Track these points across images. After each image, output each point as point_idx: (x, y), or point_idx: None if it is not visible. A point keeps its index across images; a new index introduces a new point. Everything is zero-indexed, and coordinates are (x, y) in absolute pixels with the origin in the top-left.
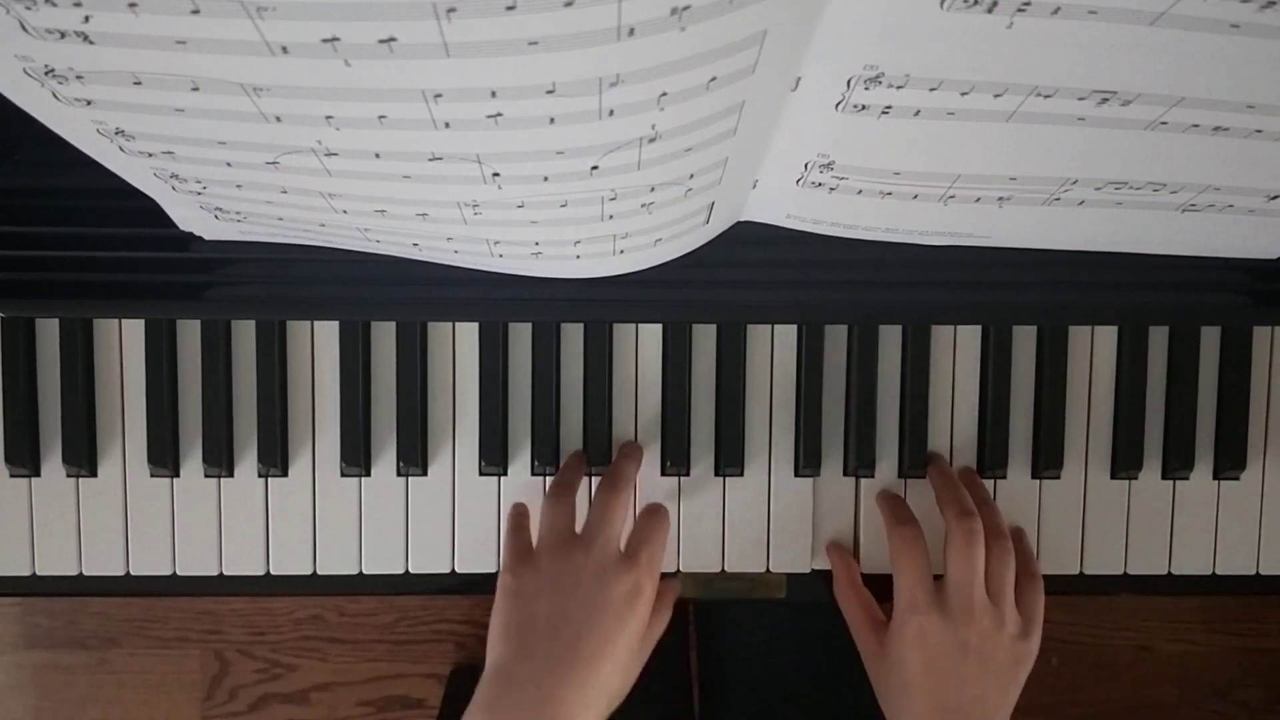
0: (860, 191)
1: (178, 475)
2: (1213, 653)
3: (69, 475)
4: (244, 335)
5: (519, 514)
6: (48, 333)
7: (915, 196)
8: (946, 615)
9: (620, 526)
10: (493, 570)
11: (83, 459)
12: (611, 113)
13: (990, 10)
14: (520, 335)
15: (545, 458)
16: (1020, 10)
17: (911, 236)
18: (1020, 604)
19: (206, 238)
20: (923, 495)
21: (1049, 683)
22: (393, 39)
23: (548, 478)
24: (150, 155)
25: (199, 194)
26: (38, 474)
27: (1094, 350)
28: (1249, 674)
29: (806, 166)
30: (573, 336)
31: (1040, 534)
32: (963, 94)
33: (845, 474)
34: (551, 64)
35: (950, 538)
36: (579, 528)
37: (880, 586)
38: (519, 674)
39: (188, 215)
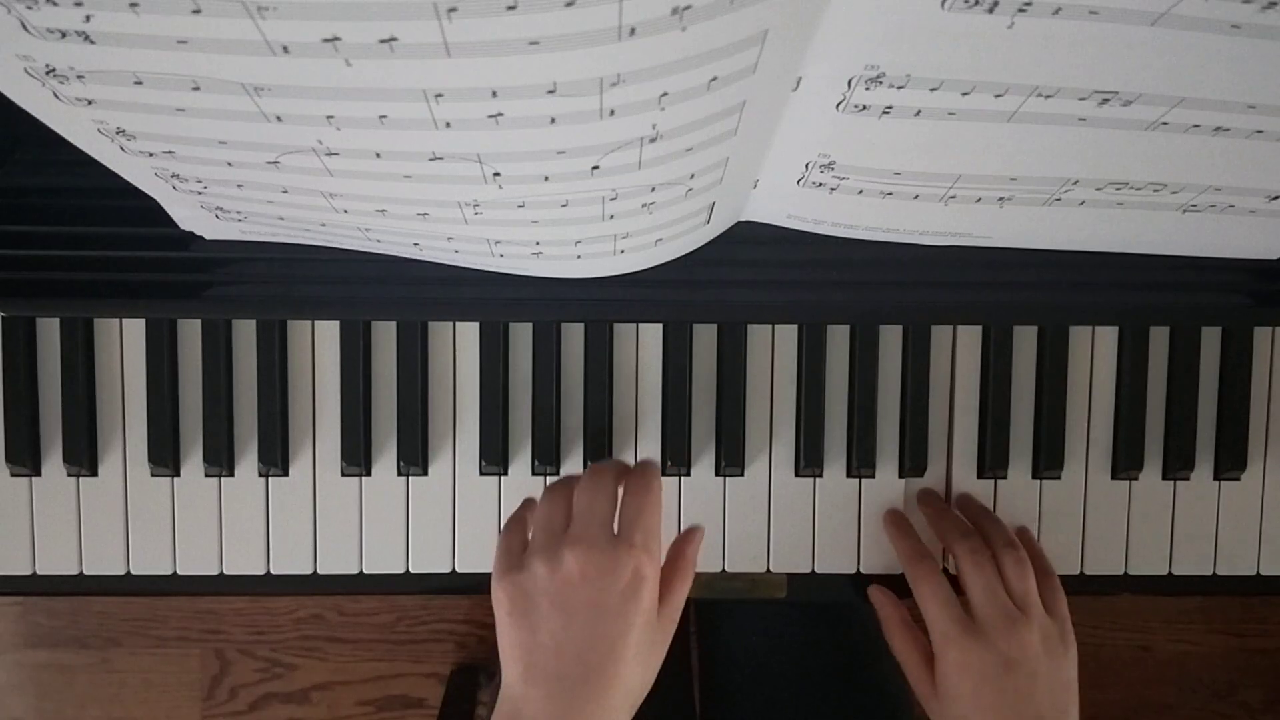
0: (861, 192)
1: (178, 474)
2: (1213, 653)
3: (70, 474)
4: (245, 335)
5: (519, 511)
6: (48, 332)
7: (916, 197)
8: (981, 636)
9: (611, 509)
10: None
11: (83, 458)
12: (612, 112)
13: (991, 10)
14: (521, 335)
15: (546, 458)
16: (1021, 10)
17: (912, 236)
18: (1046, 607)
19: (207, 237)
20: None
21: None
22: (394, 39)
23: (548, 477)
24: (151, 155)
25: (200, 193)
26: (38, 473)
27: (1095, 350)
28: (1249, 674)
29: (807, 166)
30: (573, 336)
31: (1040, 534)
32: (964, 94)
33: (847, 474)
34: (552, 64)
35: (959, 562)
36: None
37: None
38: (531, 699)
39: (188, 215)
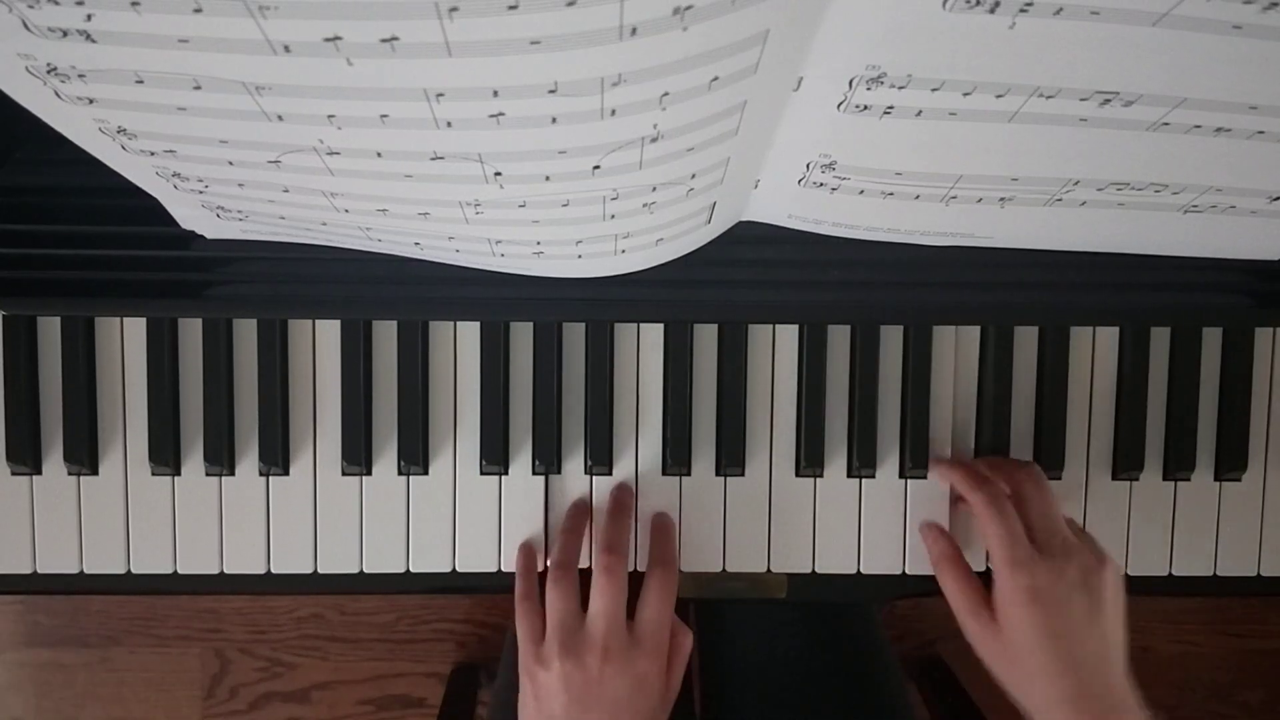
0: (862, 192)
1: (179, 473)
2: (1213, 654)
3: (70, 473)
4: (245, 334)
5: (526, 597)
6: (49, 331)
7: (917, 197)
8: (1049, 560)
9: (624, 609)
10: (494, 570)
11: (84, 457)
12: (613, 112)
13: (992, 11)
14: (522, 335)
15: (546, 457)
16: (1023, 11)
17: (913, 237)
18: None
19: (208, 236)
20: (928, 487)
21: None
22: (395, 38)
23: (549, 477)
24: (152, 154)
25: (201, 193)
26: (39, 472)
27: (1095, 351)
28: (1249, 675)
29: (808, 166)
30: (574, 336)
31: None
32: (965, 94)
33: (847, 474)
34: (553, 63)
35: (1014, 494)
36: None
37: (882, 587)
38: None
39: (189, 214)
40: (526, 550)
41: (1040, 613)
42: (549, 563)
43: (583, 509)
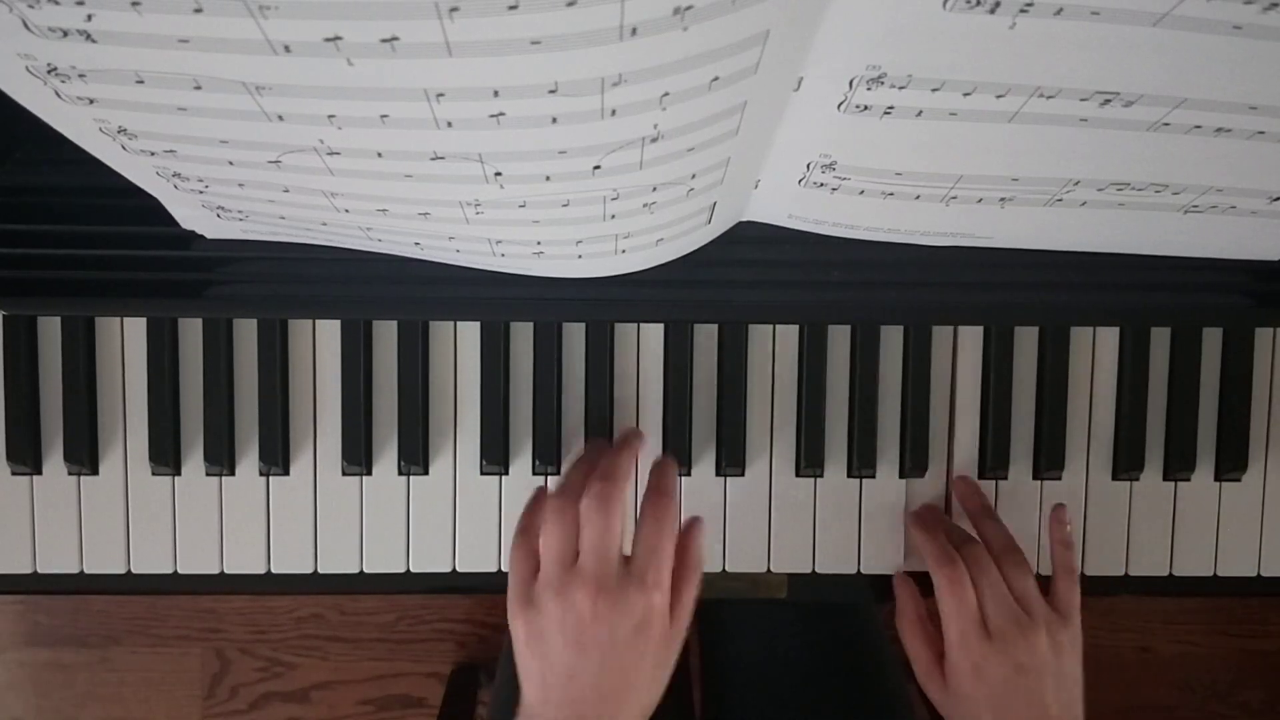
0: (862, 192)
1: (179, 473)
2: (1213, 654)
3: (70, 473)
4: (246, 334)
5: (524, 532)
6: (50, 331)
7: (917, 197)
8: (995, 643)
9: (618, 540)
10: (494, 570)
11: (84, 457)
12: (614, 112)
13: (993, 11)
14: (522, 335)
15: (547, 457)
16: (1023, 11)
17: (913, 237)
18: (1056, 598)
19: (208, 236)
20: (930, 486)
21: None
22: (395, 38)
23: (550, 477)
24: (152, 154)
25: (201, 193)
26: (39, 472)
27: (1096, 351)
28: (1249, 675)
29: (809, 167)
30: (574, 336)
31: (1041, 535)
32: (965, 95)
33: (847, 474)
34: (554, 63)
35: (974, 568)
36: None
37: (881, 587)
38: (549, 718)
39: (190, 214)
40: (538, 492)
41: (983, 689)
42: (549, 495)
43: (600, 446)
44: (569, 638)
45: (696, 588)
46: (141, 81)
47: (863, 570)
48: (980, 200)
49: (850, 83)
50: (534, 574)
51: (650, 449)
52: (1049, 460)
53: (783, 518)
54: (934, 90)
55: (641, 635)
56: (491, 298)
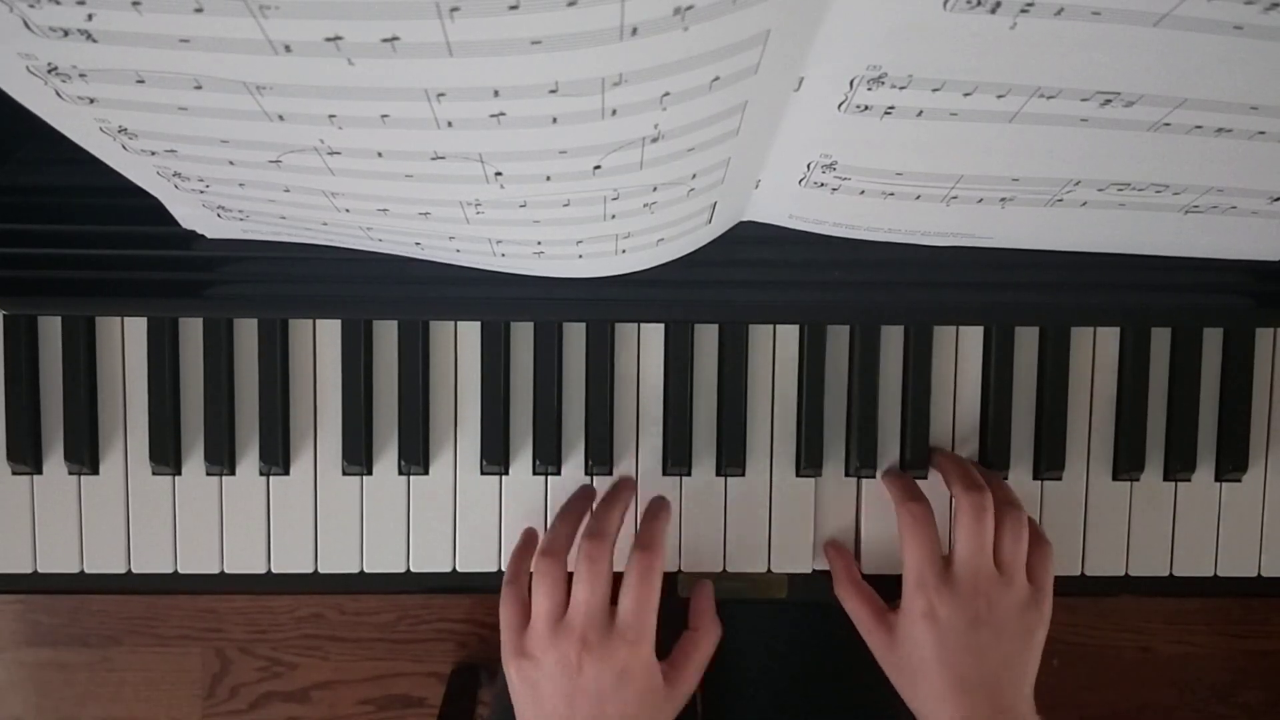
0: (863, 192)
1: (179, 473)
2: (1214, 655)
3: (71, 473)
4: (246, 333)
5: (513, 581)
6: (50, 330)
7: (918, 197)
8: (955, 590)
9: (606, 598)
10: (494, 570)
11: (84, 457)
12: (614, 112)
13: (993, 11)
14: (522, 334)
15: (547, 457)
16: (1024, 11)
17: (914, 237)
18: (1031, 574)
19: (209, 236)
20: (930, 486)
21: (1050, 684)
22: (396, 38)
23: (550, 478)
24: (153, 154)
25: (202, 192)
26: (39, 471)
27: (1096, 351)
28: (1250, 676)
29: (809, 167)
30: (575, 336)
31: None
32: (966, 95)
33: (847, 474)
34: (554, 63)
35: (959, 512)
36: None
37: (883, 587)
38: None
39: (190, 213)
40: (527, 534)
41: (934, 634)
42: (538, 549)
43: (586, 495)
44: (559, 688)
45: (708, 653)
46: (142, 81)
47: (862, 570)
48: (981, 200)
49: (851, 83)
50: (525, 622)
51: (651, 450)
52: (1049, 460)
53: (783, 518)
54: (934, 90)
55: (625, 685)
56: (492, 298)
